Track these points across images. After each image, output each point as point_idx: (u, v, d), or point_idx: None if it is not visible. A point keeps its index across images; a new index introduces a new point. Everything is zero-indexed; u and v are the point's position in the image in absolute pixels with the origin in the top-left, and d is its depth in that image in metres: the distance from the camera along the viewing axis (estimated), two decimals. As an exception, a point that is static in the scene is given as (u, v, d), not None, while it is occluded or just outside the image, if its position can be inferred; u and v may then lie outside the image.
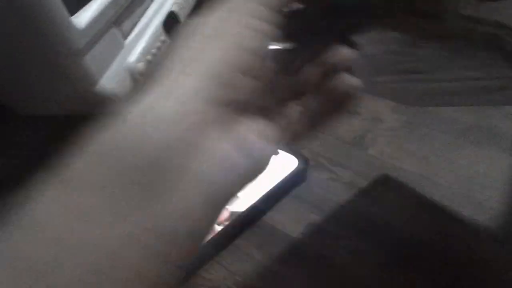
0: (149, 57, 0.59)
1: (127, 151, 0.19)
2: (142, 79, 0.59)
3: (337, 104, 0.26)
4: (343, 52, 0.25)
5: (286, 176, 0.48)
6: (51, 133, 0.59)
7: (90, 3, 0.51)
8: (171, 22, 0.63)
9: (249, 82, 0.22)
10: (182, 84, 0.21)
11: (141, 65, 0.58)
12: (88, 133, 0.20)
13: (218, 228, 0.44)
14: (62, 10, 0.46)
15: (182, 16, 0.65)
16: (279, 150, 0.48)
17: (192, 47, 0.22)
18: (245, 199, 0.46)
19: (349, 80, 0.25)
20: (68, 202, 0.18)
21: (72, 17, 0.48)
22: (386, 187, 0.49)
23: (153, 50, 0.60)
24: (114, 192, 0.18)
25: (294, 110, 0.26)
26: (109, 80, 0.55)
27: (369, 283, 0.40)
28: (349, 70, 0.25)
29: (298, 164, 0.49)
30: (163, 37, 0.61)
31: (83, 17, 0.49)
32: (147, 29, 0.60)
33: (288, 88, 0.26)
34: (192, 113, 0.20)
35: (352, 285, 0.40)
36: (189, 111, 0.20)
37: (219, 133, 0.21)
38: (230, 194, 0.22)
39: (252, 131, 0.23)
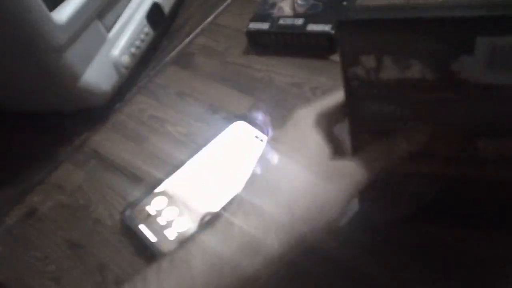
0: (133, 49, 0.59)
1: None
2: (126, 71, 0.59)
3: None
4: None
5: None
6: (38, 130, 0.60)
7: (70, -3, 0.50)
8: (155, 14, 0.62)
9: None
10: None
11: (125, 58, 0.58)
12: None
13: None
14: (41, 5, 0.46)
15: (166, 7, 0.65)
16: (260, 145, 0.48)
17: None
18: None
19: None
20: None
21: (52, 12, 0.48)
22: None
23: (137, 43, 0.60)
24: None
25: None
26: (93, 74, 0.55)
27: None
28: None
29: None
30: (147, 29, 0.61)
31: (63, 12, 0.49)
32: (130, 21, 0.60)
33: None
34: None
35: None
36: None
37: None
38: None
39: None
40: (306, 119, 0.30)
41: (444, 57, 0.25)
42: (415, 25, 0.24)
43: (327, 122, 0.30)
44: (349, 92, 0.28)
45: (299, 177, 0.28)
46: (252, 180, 0.30)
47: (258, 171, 0.30)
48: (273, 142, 0.31)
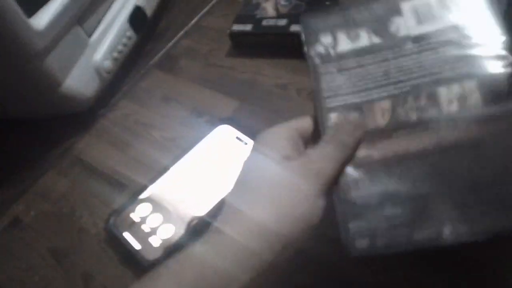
0: (115, 54, 0.59)
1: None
2: (109, 76, 0.58)
3: None
4: None
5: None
6: (22, 138, 0.59)
7: (49, 3, 0.50)
8: (137, 17, 0.62)
9: None
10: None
11: (107, 63, 0.57)
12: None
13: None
14: (18, 12, 0.45)
15: (148, 10, 0.64)
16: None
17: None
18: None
19: None
20: None
21: (30, 18, 0.47)
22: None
23: (119, 47, 0.59)
24: None
25: None
26: (75, 80, 0.54)
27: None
28: None
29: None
30: (129, 33, 0.60)
31: (42, 18, 0.48)
32: (112, 25, 0.59)
33: None
34: None
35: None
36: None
37: None
38: None
39: None
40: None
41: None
42: None
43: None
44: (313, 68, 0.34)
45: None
46: (237, 184, 0.31)
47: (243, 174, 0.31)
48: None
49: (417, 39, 0.32)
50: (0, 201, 0.53)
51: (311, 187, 0.28)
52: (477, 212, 0.27)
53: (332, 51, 0.34)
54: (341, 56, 0.34)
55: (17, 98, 0.55)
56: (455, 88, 0.30)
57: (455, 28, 0.32)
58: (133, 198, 0.46)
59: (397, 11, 0.34)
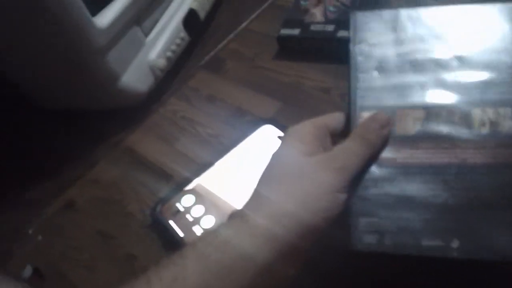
0: (169, 53, 0.62)
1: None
2: (161, 74, 0.61)
3: None
4: None
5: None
6: (78, 129, 0.64)
7: (112, 3, 0.54)
8: (191, 19, 0.65)
9: None
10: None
11: (161, 61, 0.61)
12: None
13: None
14: (84, 11, 0.49)
15: (201, 13, 0.67)
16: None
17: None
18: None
19: None
20: None
21: (94, 17, 0.51)
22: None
23: (173, 47, 0.63)
24: None
25: None
26: (131, 76, 0.58)
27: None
28: None
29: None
30: (183, 34, 0.64)
31: (105, 17, 0.52)
32: (167, 26, 0.63)
33: None
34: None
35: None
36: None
37: None
38: None
39: None
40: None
41: None
42: None
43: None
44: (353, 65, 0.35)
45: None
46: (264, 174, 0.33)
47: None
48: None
49: (461, 57, 0.33)
50: (57, 185, 0.57)
51: (333, 181, 0.29)
52: (488, 231, 0.28)
53: (375, 52, 0.35)
54: (383, 58, 0.34)
55: (75, 91, 0.60)
56: (489, 113, 0.30)
57: (498, 52, 0.32)
58: (178, 189, 0.49)
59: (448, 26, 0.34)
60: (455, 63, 0.33)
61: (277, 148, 0.33)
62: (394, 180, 0.30)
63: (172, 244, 0.45)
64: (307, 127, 0.33)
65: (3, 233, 0.54)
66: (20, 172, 0.61)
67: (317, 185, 0.29)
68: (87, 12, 0.49)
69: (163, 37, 0.62)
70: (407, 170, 0.31)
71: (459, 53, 0.33)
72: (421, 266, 0.33)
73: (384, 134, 0.32)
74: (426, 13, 0.35)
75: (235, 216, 0.31)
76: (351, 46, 0.36)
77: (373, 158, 0.31)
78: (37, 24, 0.49)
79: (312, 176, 0.30)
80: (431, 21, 0.34)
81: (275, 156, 0.33)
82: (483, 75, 0.32)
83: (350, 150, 0.31)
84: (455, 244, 0.28)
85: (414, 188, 0.30)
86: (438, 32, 0.34)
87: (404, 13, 0.35)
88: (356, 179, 0.31)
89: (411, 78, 0.33)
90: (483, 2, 0.34)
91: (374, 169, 0.31)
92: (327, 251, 0.33)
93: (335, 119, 0.34)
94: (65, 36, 0.50)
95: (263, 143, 0.50)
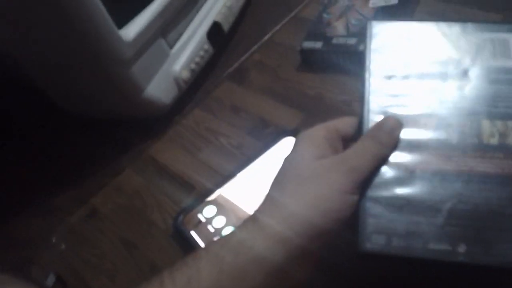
0: (192, 65, 0.63)
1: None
2: (185, 85, 0.62)
3: None
4: None
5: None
6: (103, 137, 0.65)
7: (138, 17, 0.55)
8: (215, 32, 0.66)
9: None
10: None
11: (185, 73, 0.62)
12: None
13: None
14: (111, 25, 0.50)
15: (225, 26, 0.68)
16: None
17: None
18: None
19: None
20: None
21: (121, 30, 0.52)
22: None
23: (197, 59, 0.63)
24: None
25: None
26: (155, 87, 0.59)
27: None
28: None
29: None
30: (206, 46, 0.65)
31: (130, 30, 0.53)
32: (192, 38, 0.63)
33: None
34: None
35: None
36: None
37: None
38: None
39: None
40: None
41: None
42: None
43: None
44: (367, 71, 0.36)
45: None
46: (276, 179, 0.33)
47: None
48: None
49: (472, 70, 0.34)
50: (82, 194, 0.58)
51: (345, 182, 0.30)
52: (495, 237, 0.28)
53: (388, 59, 0.36)
54: (396, 66, 0.35)
55: (101, 101, 0.61)
56: (498, 125, 0.31)
57: (507, 67, 0.33)
58: (201, 199, 0.49)
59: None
60: (465, 75, 0.33)
61: (289, 152, 0.34)
62: (404, 183, 0.31)
63: (194, 254, 0.45)
64: (319, 131, 0.33)
65: (27, 241, 0.55)
66: (45, 179, 0.63)
67: (328, 187, 0.30)
68: (113, 26, 0.51)
69: (187, 49, 0.63)
70: (417, 175, 0.31)
71: (470, 66, 0.34)
72: (427, 270, 0.33)
73: (395, 136, 0.32)
74: (439, 28, 0.36)
75: (248, 219, 0.31)
76: (366, 52, 0.37)
77: (383, 159, 0.31)
78: (66, 39, 0.50)
79: (323, 178, 0.30)
80: (444, 35, 0.35)
81: (287, 160, 0.33)
82: (492, 88, 0.32)
83: (361, 151, 0.31)
84: (462, 248, 0.28)
85: (423, 192, 0.30)
86: (450, 45, 0.35)
87: (418, 26, 0.37)
88: (367, 180, 0.31)
89: (422, 87, 0.34)
90: (495, 23, 0.37)
91: (385, 171, 0.31)
92: (335, 251, 0.33)
93: (347, 123, 0.34)
94: (92, 49, 0.51)
95: (285, 155, 0.50)
